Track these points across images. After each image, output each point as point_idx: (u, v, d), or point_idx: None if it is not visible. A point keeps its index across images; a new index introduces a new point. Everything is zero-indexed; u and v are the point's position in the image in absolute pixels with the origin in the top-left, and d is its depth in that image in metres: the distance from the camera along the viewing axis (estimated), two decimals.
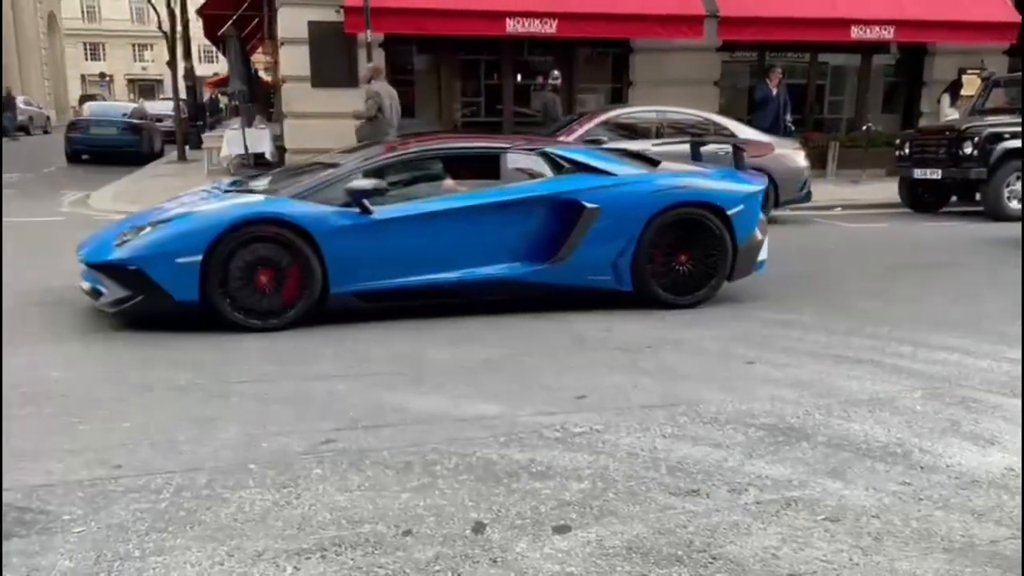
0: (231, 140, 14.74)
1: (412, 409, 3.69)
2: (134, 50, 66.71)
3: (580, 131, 9.55)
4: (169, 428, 3.43)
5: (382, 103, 9.83)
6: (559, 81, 13.17)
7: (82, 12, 63.02)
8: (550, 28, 12.88)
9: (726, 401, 3.78)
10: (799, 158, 9.96)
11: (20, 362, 4.25)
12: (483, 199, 5.38)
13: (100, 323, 5.00)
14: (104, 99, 43.00)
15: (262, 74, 24.84)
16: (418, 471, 3.04)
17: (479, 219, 5.31)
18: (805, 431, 3.43)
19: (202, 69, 29.77)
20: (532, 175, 5.60)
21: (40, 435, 3.33)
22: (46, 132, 32.86)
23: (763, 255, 5.89)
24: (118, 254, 4.86)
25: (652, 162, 6.03)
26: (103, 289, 4.94)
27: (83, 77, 61.44)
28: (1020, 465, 3.13)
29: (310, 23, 12.92)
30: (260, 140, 14.90)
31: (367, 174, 5.32)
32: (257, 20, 19.64)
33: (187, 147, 18.42)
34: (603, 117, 9.94)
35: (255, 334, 4.83)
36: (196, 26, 22.47)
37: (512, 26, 12.72)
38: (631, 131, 10.01)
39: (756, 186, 5.85)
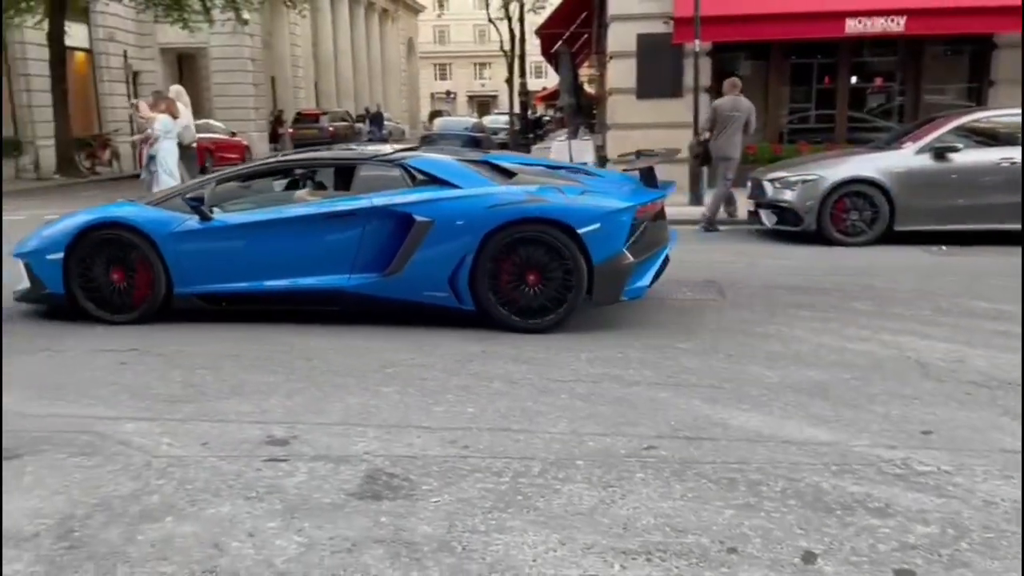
0: (558, 151, 15.55)
1: (734, 425, 3.63)
2: (475, 69, 73.35)
3: (930, 137, 8.65)
4: (505, 417, 3.75)
5: (719, 117, 9.76)
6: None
7: (434, 36, 70.72)
8: (896, 26, 11.86)
9: None
10: None
11: (395, 345, 4.92)
12: (318, 209, 5.45)
13: (444, 318, 5.58)
14: (449, 114, 47.86)
15: (586, 87, 25.92)
16: (743, 489, 2.99)
17: (314, 229, 5.36)
18: None
19: (533, 84, 31.94)
20: (391, 186, 5.45)
21: (404, 412, 3.82)
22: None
23: (642, 280, 5.26)
24: (16, 250, 5.79)
25: (508, 174, 5.57)
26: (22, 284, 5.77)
27: (432, 95, 68.93)
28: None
29: (639, 36, 13.22)
30: (583, 151, 15.55)
31: (219, 182, 5.83)
32: (586, 36, 20.57)
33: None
34: (959, 121, 8.90)
35: (583, 340, 5.07)
36: (531, 45, 24.13)
37: (853, 26, 11.92)
38: (991, 136, 8.86)
39: (623, 203, 5.19)
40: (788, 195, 8.78)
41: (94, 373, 4.45)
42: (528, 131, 25.03)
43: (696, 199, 11.32)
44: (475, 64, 73.06)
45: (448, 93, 65.94)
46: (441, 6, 35.85)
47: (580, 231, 5.04)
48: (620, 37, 13.60)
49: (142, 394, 4.09)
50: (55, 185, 18.68)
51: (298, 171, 6.33)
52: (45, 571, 2.51)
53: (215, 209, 5.61)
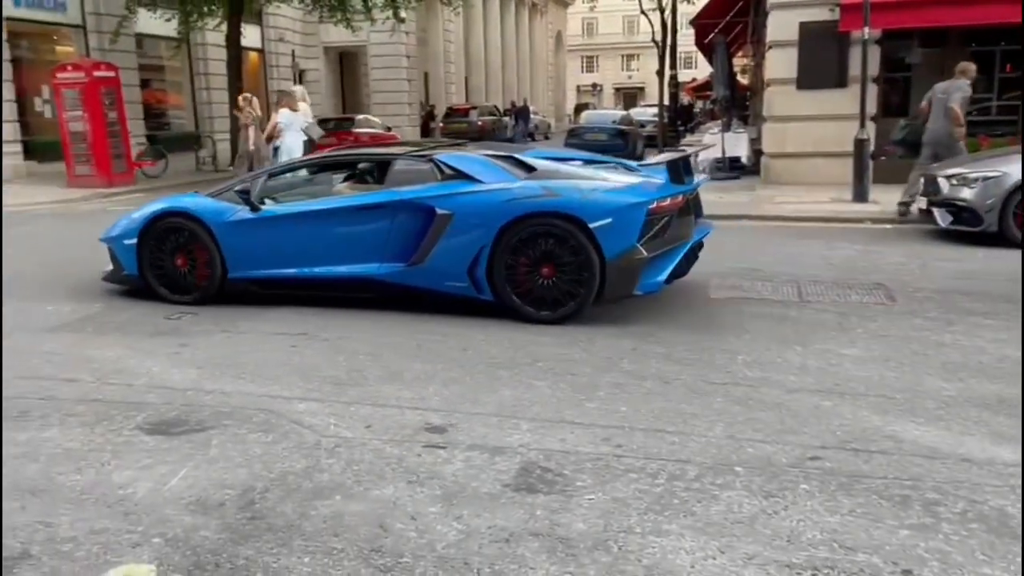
0: (710, 144, 15.17)
1: (907, 439, 3.41)
2: (622, 60, 72.64)
3: None
4: (659, 418, 3.69)
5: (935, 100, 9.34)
6: None
7: (582, 29, 70.56)
8: None
9: None
10: None
11: (546, 339, 4.97)
12: (352, 202, 5.81)
13: (605, 311, 5.57)
14: (595, 107, 47.66)
15: (739, 78, 25.08)
16: (918, 508, 2.81)
17: (348, 220, 5.69)
18: None
19: (683, 75, 31.24)
20: (423, 181, 5.63)
21: (556, 407, 3.85)
22: (546, 138, 37.60)
23: (659, 275, 5.23)
24: (103, 235, 6.43)
25: (529, 169, 5.58)
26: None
27: (578, 87, 68.87)
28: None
29: (801, 24, 12.63)
30: (737, 144, 15.10)
31: (271, 175, 6.33)
32: (741, 26, 19.89)
33: (665, 150, 19.47)
34: None
35: (739, 342, 4.93)
36: (682, 35, 23.61)
37: None
38: None
39: (637, 199, 5.18)
40: (966, 193, 8.13)
41: (268, 354, 4.75)
42: (677, 124, 24.54)
43: (860, 195, 10.71)
44: (623, 56, 72.34)
45: (595, 86, 65.65)
46: None
47: (592, 225, 5.11)
48: (781, 25, 13.05)
49: (311, 376, 4.33)
50: (230, 176, 20.08)
51: (343, 166, 6.74)
52: (230, 538, 2.71)
53: (267, 201, 6.05)
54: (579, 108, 51.50)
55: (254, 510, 2.89)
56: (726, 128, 15.30)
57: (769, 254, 7.76)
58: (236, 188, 6.06)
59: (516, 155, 5.86)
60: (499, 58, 41.07)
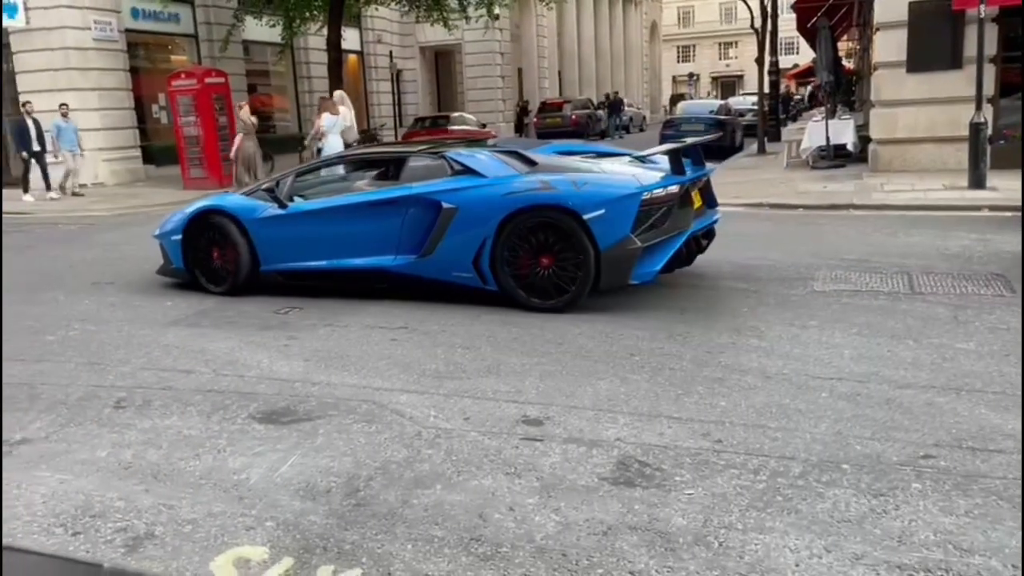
0: (812, 132, 14.65)
1: None
2: (719, 48, 70.93)
3: None
4: (760, 413, 3.61)
5: None
6: None
7: (678, 18, 69.33)
8: None
9: None
10: None
11: (642, 332, 4.92)
12: (368, 197, 6.09)
13: (702, 304, 5.48)
14: (691, 97, 46.76)
15: (844, 62, 24.10)
16: None
17: (366, 215, 5.96)
18: None
19: (783, 62, 30.21)
20: (434, 176, 5.89)
21: (653, 401, 3.82)
22: (641, 130, 37.13)
23: (654, 265, 5.31)
24: (155, 232, 6.96)
25: (531, 163, 5.77)
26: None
27: (673, 78, 67.65)
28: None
29: (911, 4, 12.03)
30: (843, 131, 14.52)
31: (298, 175, 6.70)
32: (845, 8, 19.10)
33: (766, 140, 18.90)
34: None
35: (845, 336, 4.76)
36: (783, 20, 22.86)
37: None
38: None
39: (630, 190, 5.24)
40: None
41: (370, 347, 4.90)
42: (779, 112, 23.78)
43: (977, 182, 10.13)
44: (720, 44, 70.64)
45: (691, 75, 64.29)
46: None
47: (586, 217, 5.23)
48: (889, 6, 12.46)
49: (411, 368, 4.44)
50: None
51: (365, 164, 7.11)
52: (336, 523, 2.81)
53: (296, 198, 6.41)
54: (675, 99, 50.65)
55: (359, 497, 2.99)
56: (831, 115, 14.73)
57: (877, 245, 7.44)
58: (263, 187, 6.54)
59: (520, 150, 6.09)
60: (593, 51, 40.84)
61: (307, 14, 18.97)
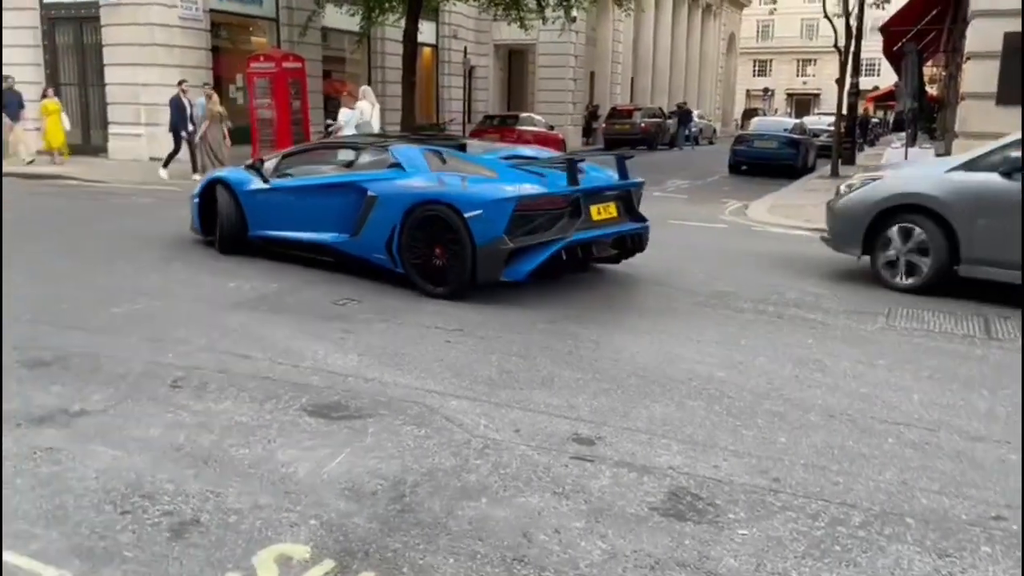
0: (891, 158, 14.22)
1: None
2: (797, 65, 69.54)
3: None
4: (822, 454, 3.47)
5: None
6: None
7: (757, 31, 68.12)
8: None
9: None
10: None
11: (703, 356, 4.80)
12: (322, 180, 6.98)
13: (772, 334, 5.33)
14: (764, 113, 45.87)
15: (927, 88, 23.35)
16: None
17: (318, 195, 6.89)
18: None
19: (863, 84, 29.36)
20: (376, 167, 6.68)
21: (710, 430, 3.70)
22: (711, 143, 36.59)
23: (526, 265, 5.78)
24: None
25: (444, 161, 6.38)
26: None
27: (747, 92, 66.54)
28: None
29: (1006, 34, 11.54)
30: (922, 160, 14.04)
31: (285, 156, 7.74)
32: (934, 33, 18.49)
33: (839, 162, 18.41)
34: None
35: (918, 379, 4.56)
36: (866, 41, 22.24)
37: None
38: None
39: (506, 195, 5.77)
40: None
41: (424, 347, 4.87)
42: (855, 134, 23.15)
43: None
44: (798, 60, 69.23)
45: (765, 90, 63.14)
46: (774, 0, 34.18)
47: (466, 215, 5.77)
48: (982, 35, 11.98)
49: (464, 373, 4.40)
50: None
51: (336, 150, 7.69)
52: (380, 528, 2.78)
53: (285, 175, 7.34)
54: (747, 113, 49.79)
55: (404, 503, 2.96)
56: (911, 142, 14.28)
57: (954, 282, 7.15)
58: (247, 164, 7.74)
59: (441, 149, 6.66)
60: (667, 59, 40.39)
61: (386, 4, 19.15)
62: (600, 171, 6.81)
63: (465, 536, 2.74)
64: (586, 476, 3.21)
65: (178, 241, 8.29)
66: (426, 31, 24.30)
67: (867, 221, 6.83)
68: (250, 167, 7.63)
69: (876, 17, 24.75)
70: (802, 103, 65.31)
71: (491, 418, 3.78)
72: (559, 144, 23.97)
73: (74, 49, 18.77)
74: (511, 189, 5.85)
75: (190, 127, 15.12)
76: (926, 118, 22.67)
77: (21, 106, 16.56)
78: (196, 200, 7.91)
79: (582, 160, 6.61)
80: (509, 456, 3.37)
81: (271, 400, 3.92)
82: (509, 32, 25.36)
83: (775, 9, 35.89)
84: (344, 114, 13.12)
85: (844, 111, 19.84)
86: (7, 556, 2.56)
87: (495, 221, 5.72)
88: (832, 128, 20.95)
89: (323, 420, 3.71)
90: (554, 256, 5.87)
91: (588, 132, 32.08)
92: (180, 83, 15.41)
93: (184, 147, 15.23)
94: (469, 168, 6.25)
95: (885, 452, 3.50)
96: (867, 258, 6.96)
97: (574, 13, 20.91)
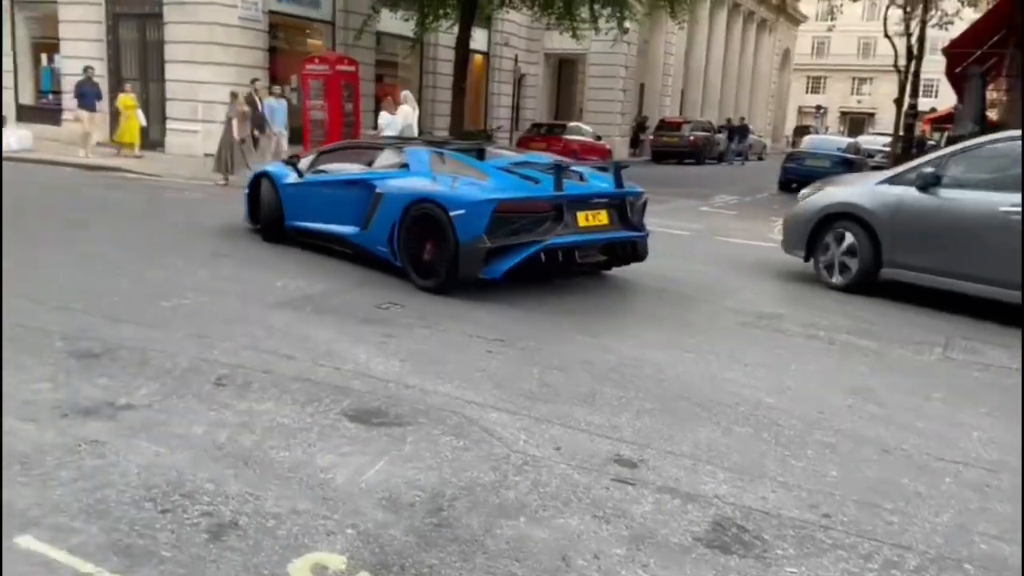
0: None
1: None
2: (852, 83, 68.44)
3: None
4: (875, 490, 3.34)
5: None
6: None
7: (812, 48, 67.12)
8: None
9: None
10: None
11: (752, 381, 4.69)
12: (344, 177, 7.42)
13: (826, 363, 5.18)
14: (816, 131, 45.12)
15: (988, 113, 22.73)
16: None
17: (340, 190, 7.35)
18: None
19: (921, 105, 28.70)
20: (390, 166, 7.11)
21: (758, 459, 3.59)
22: (760, 159, 36.10)
23: (502, 265, 6.02)
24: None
25: (443, 162, 6.74)
26: None
27: (799, 108, 65.61)
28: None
29: None
30: None
31: (321, 153, 8.25)
32: (997, 57, 18.00)
33: None
34: None
35: (977, 414, 4.39)
36: (926, 62, 21.74)
37: None
38: None
39: (487, 197, 6.04)
40: None
41: (465, 357, 4.83)
42: (910, 156, 22.63)
43: None
44: (853, 78, 68.12)
45: (818, 108, 62.10)
46: (832, 17, 33.65)
47: (451, 214, 6.09)
48: None
49: (505, 385, 4.35)
50: None
51: (363, 150, 8.02)
52: (416, 542, 2.74)
53: (319, 170, 7.79)
54: (799, 130, 49.01)
55: (441, 517, 2.91)
56: None
57: (1009, 314, 6.91)
58: (283, 159, 8.38)
59: (445, 151, 6.97)
60: (719, 73, 40.00)
61: (441, 12, 19.26)
62: (603, 179, 6.97)
63: (502, 556, 2.68)
64: (628, 500, 3.13)
65: (226, 236, 8.40)
66: (478, 38, 24.39)
67: (810, 227, 7.64)
68: (287, 162, 8.24)
69: (935, 37, 24.20)
70: (856, 122, 64.21)
71: (531, 433, 3.72)
72: (605, 154, 23.87)
73: (137, 45, 19.20)
74: (493, 192, 6.14)
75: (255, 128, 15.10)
76: None
77: (99, 97, 16.93)
78: (247, 192, 8.55)
79: (568, 167, 6.89)
80: (548, 474, 3.31)
81: (313, 403, 3.91)
82: (560, 41, 25.32)
83: (833, 26, 35.20)
84: (384, 118, 13.59)
85: (901, 131, 19.42)
86: (47, 550, 2.57)
87: (476, 221, 6.00)
88: (887, 148, 20.52)
89: (363, 426, 3.68)
90: (533, 258, 6.07)
91: (636, 143, 31.89)
92: (253, 82, 15.59)
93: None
94: (464, 171, 6.57)
95: (942, 492, 3.36)
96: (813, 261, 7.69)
97: (627, 24, 20.80)
